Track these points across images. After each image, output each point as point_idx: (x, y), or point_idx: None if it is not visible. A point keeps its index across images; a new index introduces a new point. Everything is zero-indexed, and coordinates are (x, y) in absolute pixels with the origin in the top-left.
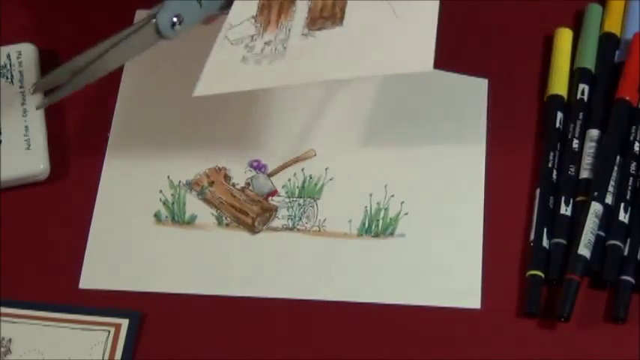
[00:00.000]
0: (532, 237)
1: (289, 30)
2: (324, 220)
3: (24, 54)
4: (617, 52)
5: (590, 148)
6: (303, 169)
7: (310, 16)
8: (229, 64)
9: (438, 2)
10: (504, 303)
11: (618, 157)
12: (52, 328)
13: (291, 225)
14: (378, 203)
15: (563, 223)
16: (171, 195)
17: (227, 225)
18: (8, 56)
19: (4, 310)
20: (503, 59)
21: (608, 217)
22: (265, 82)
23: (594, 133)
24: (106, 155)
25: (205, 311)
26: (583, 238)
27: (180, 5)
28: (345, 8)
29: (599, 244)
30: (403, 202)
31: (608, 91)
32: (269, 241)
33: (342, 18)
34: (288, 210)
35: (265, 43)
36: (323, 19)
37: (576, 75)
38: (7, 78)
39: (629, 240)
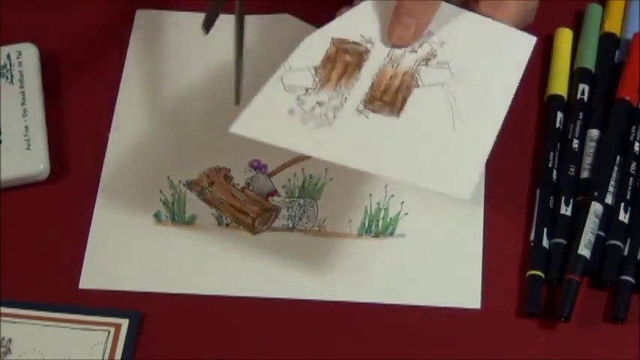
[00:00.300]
0: (532, 237)
1: (345, 99)
2: (324, 220)
3: (24, 54)
4: (617, 52)
5: (590, 148)
6: (303, 169)
7: (371, 93)
8: (276, 111)
9: (500, 123)
10: (504, 303)
11: (618, 157)
12: (52, 328)
13: (291, 225)
14: (378, 203)
15: (563, 223)
16: (171, 195)
17: (227, 225)
18: (8, 56)
19: (4, 310)
20: None
21: (608, 217)
22: (303, 147)
23: (594, 133)
24: (106, 155)
25: (205, 311)
26: (583, 238)
27: None
28: (407, 99)
29: (599, 244)
30: (403, 202)
31: (608, 91)
32: (269, 241)
33: (400, 109)
34: (288, 210)
35: (318, 103)
36: (382, 102)
37: (576, 75)
38: (7, 78)
39: (629, 240)
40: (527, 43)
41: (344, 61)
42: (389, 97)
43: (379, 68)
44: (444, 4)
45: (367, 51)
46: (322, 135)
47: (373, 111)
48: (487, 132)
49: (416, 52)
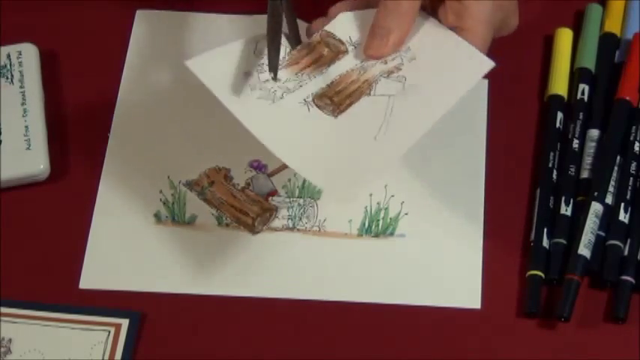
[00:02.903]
0: (532, 237)
1: (300, 86)
2: (324, 220)
3: (24, 54)
4: (617, 52)
5: (590, 148)
6: None
7: (325, 90)
8: (234, 66)
9: (419, 137)
10: (504, 303)
11: (618, 157)
12: (52, 328)
13: (291, 225)
14: (378, 203)
15: (563, 223)
16: (172, 195)
17: (227, 225)
18: (8, 56)
19: (4, 310)
20: (503, 59)
21: (608, 217)
22: (234, 108)
23: (594, 133)
24: (106, 155)
25: (205, 311)
26: (583, 238)
27: None
28: (352, 104)
29: (599, 244)
30: (403, 202)
31: (608, 91)
32: (269, 241)
33: (341, 112)
34: (288, 210)
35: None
36: (330, 101)
37: (576, 75)
38: (7, 78)
39: (629, 240)
40: (483, 66)
41: (320, 52)
42: (338, 99)
43: (346, 71)
44: (422, 16)
45: (345, 52)
46: (258, 107)
47: (318, 106)
48: (399, 146)
49: (386, 63)
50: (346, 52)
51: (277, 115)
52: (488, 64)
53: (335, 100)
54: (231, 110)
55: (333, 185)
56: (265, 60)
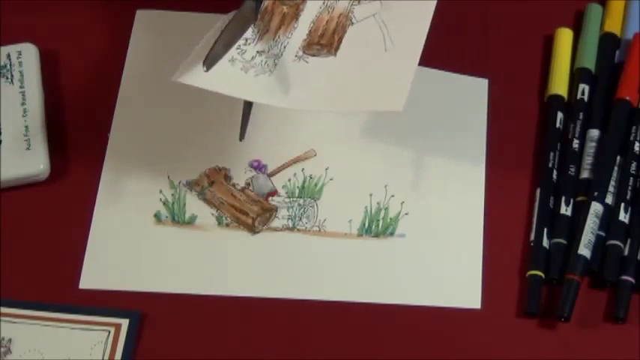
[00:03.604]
0: (532, 237)
1: (284, 47)
2: (324, 220)
3: (24, 54)
4: (617, 52)
5: (590, 148)
6: (303, 169)
7: (309, 39)
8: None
9: (425, 33)
10: (504, 303)
11: (618, 157)
12: (52, 328)
13: (291, 225)
14: (378, 203)
15: (563, 223)
16: (172, 195)
17: (227, 225)
18: (8, 56)
19: (4, 310)
20: (503, 59)
21: (608, 217)
22: (244, 93)
23: (594, 133)
24: (106, 155)
25: (205, 311)
26: (583, 238)
27: None
28: (342, 38)
29: (599, 244)
30: (403, 202)
31: (608, 91)
32: (269, 241)
33: (337, 48)
34: (288, 210)
35: (257, 52)
36: (320, 45)
37: (576, 75)
38: (7, 78)
39: (629, 240)
40: None
41: (281, 12)
42: (325, 40)
43: (316, 16)
44: None
45: (303, 1)
46: (262, 82)
47: (312, 55)
48: (413, 48)
49: None
50: (303, 1)
51: (284, 79)
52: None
53: (323, 42)
54: (248, 99)
55: (391, 101)
56: (240, 41)
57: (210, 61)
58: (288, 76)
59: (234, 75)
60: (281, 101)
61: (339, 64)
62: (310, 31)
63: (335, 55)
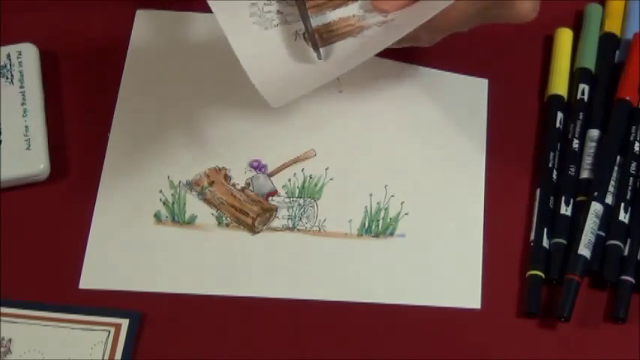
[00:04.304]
0: (532, 237)
1: (298, 21)
2: (324, 220)
3: (24, 54)
4: (617, 52)
5: (590, 148)
6: (303, 169)
7: (320, 27)
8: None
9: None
10: (504, 303)
11: (618, 157)
12: (52, 328)
13: (291, 225)
14: (378, 203)
15: (563, 223)
16: (172, 195)
17: (227, 225)
18: (8, 56)
19: (4, 310)
20: (503, 59)
21: (608, 217)
22: (229, 29)
23: (594, 133)
24: (106, 155)
25: (205, 311)
26: (583, 238)
27: None
28: (336, 42)
29: (599, 244)
30: (403, 202)
31: (608, 91)
32: (269, 241)
33: (324, 45)
34: (288, 210)
35: (278, 11)
36: (320, 37)
37: (576, 75)
38: (7, 78)
39: (629, 240)
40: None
41: None
42: (327, 36)
43: (347, 16)
44: None
45: (355, 0)
46: (250, 30)
47: (305, 39)
48: (339, 65)
49: (386, 16)
50: (355, 0)
51: (263, 39)
52: None
53: (324, 36)
54: (223, 29)
55: (266, 88)
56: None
57: (316, 47)
58: (269, 41)
59: (242, 12)
60: (241, 54)
61: (301, 57)
62: (330, 22)
63: (318, 53)
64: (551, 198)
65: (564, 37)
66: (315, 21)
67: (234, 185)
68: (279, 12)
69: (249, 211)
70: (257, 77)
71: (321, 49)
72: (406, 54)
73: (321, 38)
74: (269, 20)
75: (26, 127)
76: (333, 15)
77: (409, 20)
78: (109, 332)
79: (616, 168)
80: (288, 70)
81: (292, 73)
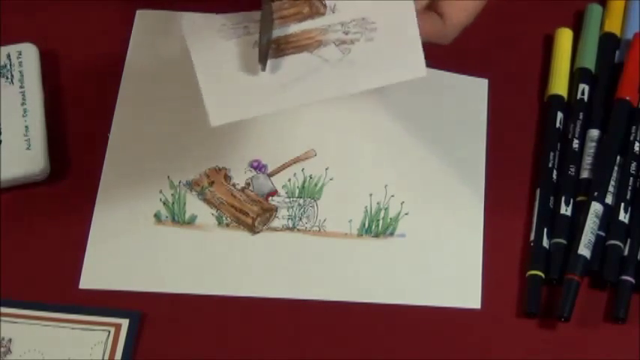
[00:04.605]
0: (532, 237)
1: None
2: (324, 220)
3: (24, 54)
4: (617, 52)
5: (590, 148)
6: (303, 169)
7: (280, 38)
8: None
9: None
10: (504, 303)
11: (618, 157)
12: (52, 328)
13: (291, 225)
14: (378, 203)
15: (563, 223)
16: (172, 195)
17: (227, 225)
18: (8, 56)
19: (4, 310)
20: (503, 59)
21: (608, 217)
22: (192, 40)
23: (594, 133)
24: (106, 155)
25: (205, 311)
26: (583, 238)
27: None
28: (288, 56)
29: (599, 244)
30: (403, 202)
31: (608, 91)
32: (269, 241)
33: (274, 57)
34: (288, 210)
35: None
36: (276, 47)
37: (576, 75)
38: (7, 78)
39: (629, 240)
40: (414, 71)
41: (301, 10)
42: (283, 46)
43: (310, 29)
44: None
45: (322, 14)
46: (212, 41)
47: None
48: (290, 98)
49: (347, 34)
50: (323, 14)
51: (223, 48)
52: (419, 72)
53: (281, 47)
54: (186, 40)
55: (214, 109)
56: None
57: (263, 59)
58: (228, 50)
59: (210, 30)
60: (198, 62)
61: (253, 68)
62: (291, 34)
63: (264, 68)
64: (551, 198)
65: (564, 37)
66: (278, 32)
67: (234, 185)
68: (245, 26)
69: (249, 211)
70: (209, 90)
71: (269, 62)
72: None
73: (277, 49)
74: (232, 32)
75: (26, 127)
76: (297, 27)
77: (366, 70)
78: (109, 332)
79: (616, 168)
80: (237, 84)
81: (240, 86)
